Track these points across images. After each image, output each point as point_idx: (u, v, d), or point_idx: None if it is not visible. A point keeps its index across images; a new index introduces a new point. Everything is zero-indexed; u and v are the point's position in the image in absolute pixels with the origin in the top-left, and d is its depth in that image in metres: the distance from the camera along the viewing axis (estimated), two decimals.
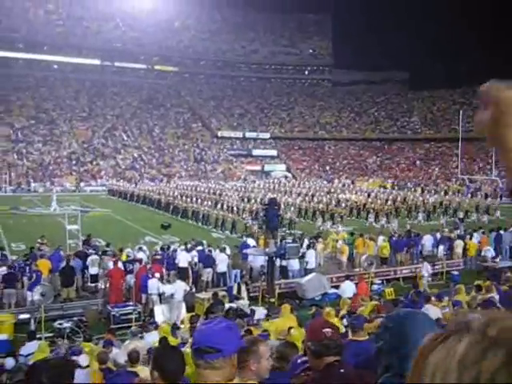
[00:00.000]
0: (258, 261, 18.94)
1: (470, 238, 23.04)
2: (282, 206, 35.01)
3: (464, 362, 0.68)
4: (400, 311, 2.07)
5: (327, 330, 3.26)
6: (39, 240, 21.04)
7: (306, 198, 38.10)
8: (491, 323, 0.72)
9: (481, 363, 0.67)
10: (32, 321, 14.47)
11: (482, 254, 22.73)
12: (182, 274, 17.89)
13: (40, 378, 2.81)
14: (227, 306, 14.65)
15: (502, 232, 24.34)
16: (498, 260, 22.34)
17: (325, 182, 58.95)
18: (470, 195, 45.96)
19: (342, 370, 3.18)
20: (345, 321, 10.59)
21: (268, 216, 16.63)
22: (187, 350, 7.94)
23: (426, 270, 19.12)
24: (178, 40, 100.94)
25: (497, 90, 1.04)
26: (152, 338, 10.33)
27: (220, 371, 2.28)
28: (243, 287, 17.35)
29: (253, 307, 15.68)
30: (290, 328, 8.80)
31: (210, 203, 35.37)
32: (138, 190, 47.17)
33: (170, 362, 3.45)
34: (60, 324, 14.11)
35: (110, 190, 53.18)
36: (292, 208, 34.66)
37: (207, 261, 18.71)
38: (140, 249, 20.07)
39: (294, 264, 19.36)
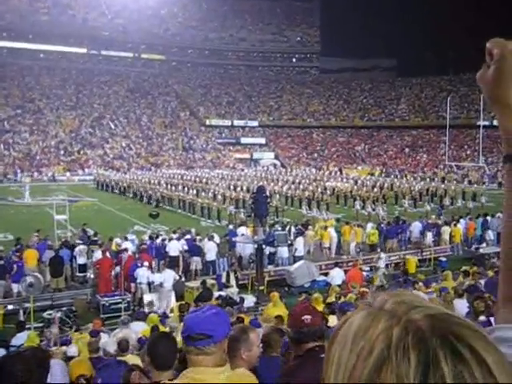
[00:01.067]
0: (246, 249, 19.01)
1: (456, 225, 23.22)
2: (268, 194, 35.14)
3: (356, 333, 0.70)
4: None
5: (306, 316, 3.30)
6: (36, 234, 20.86)
7: (292, 186, 38.15)
8: (390, 299, 0.73)
9: (368, 331, 0.69)
10: (21, 311, 14.46)
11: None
12: (172, 262, 17.94)
13: (13, 369, 2.67)
14: (216, 294, 14.74)
15: (488, 218, 24.55)
16: (484, 245, 22.58)
17: (313, 170, 59.05)
18: (455, 181, 46.19)
19: (322, 355, 3.21)
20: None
21: (256, 204, 16.65)
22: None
23: (382, 261, 18.71)
24: (165, 28, 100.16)
25: (502, 44, 1.07)
26: (140, 327, 10.36)
27: (211, 356, 2.34)
28: (232, 275, 17.42)
29: (242, 295, 15.76)
30: (276, 316, 8.87)
31: (195, 192, 35.37)
32: (124, 179, 46.98)
33: (163, 348, 3.51)
34: (49, 314, 14.11)
35: (96, 179, 52.96)
36: (278, 196, 34.72)
37: (195, 249, 18.75)
38: (126, 238, 20.04)
39: (283, 252, 19.46)
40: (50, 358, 3.56)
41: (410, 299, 0.73)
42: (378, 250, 20.83)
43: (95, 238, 20.26)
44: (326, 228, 21.69)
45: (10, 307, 14.80)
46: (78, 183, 53.35)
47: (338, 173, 55.13)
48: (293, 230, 21.56)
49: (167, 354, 3.51)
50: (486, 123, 62.77)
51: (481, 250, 21.32)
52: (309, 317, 3.31)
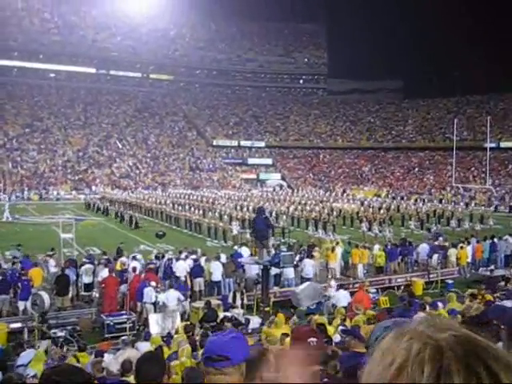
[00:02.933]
0: (252, 270, 18.91)
1: (462, 247, 23.07)
2: (274, 215, 35.07)
3: (384, 349, 0.80)
4: (395, 321, 2.09)
5: (312, 339, 3.26)
6: (49, 253, 20.81)
7: (299, 207, 38.12)
8: (423, 322, 0.81)
9: (392, 347, 0.79)
10: (25, 330, 14.40)
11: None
12: (179, 283, 17.84)
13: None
14: (222, 314, 14.66)
15: (496, 240, 24.39)
16: (492, 268, 22.40)
17: (320, 191, 58.95)
18: (463, 204, 45.98)
19: (325, 380, 3.18)
20: (340, 330, 10.60)
21: (256, 225, 16.54)
22: (176, 362, 7.93)
23: (333, 289, 17.62)
24: (174, 49, 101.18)
25: None
26: (145, 347, 10.30)
27: (229, 377, 2.44)
28: (238, 296, 17.32)
29: (247, 316, 15.66)
30: (283, 334, 8.78)
31: (201, 212, 35.40)
32: (130, 198, 47.12)
33: (150, 367, 3.57)
34: (54, 333, 14.05)
35: (102, 198, 53.16)
36: (284, 217, 34.68)
37: (197, 271, 18.65)
38: (134, 258, 20.00)
39: (289, 272, 19.34)
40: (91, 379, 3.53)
41: (441, 322, 0.80)
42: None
43: (104, 257, 20.22)
44: (333, 249, 21.57)
45: (13, 325, 14.71)
46: (83, 202, 53.43)
47: (345, 194, 55.00)
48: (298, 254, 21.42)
49: (153, 373, 3.58)
50: (493, 145, 62.84)
51: (489, 273, 21.13)
52: (314, 340, 3.27)
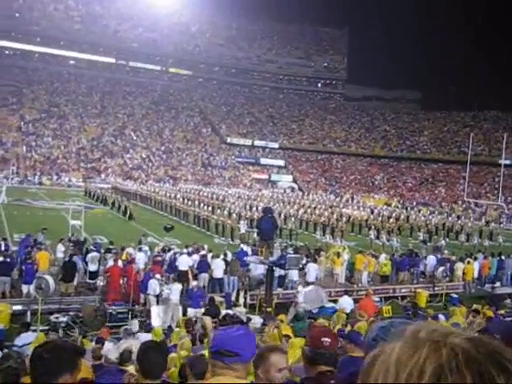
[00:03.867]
0: (257, 269, 18.91)
1: (469, 262, 22.94)
2: (283, 217, 35.03)
3: (400, 360, 0.77)
4: (391, 322, 2.09)
5: (326, 339, 3.28)
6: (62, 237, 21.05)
7: (308, 210, 38.07)
8: (422, 329, 0.81)
9: (413, 357, 0.76)
10: (28, 313, 14.50)
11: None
12: (180, 276, 17.90)
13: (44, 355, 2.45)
14: (224, 312, 14.67)
15: (503, 257, 24.26)
16: (497, 285, 22.27)
17: (331, 196, 58.78)
18: (473, 219, 45.70)
19: (332, 381, 3.18)
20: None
21: (261, 225, 16.49)
22: (174, 355, 7.94)
23: (301, 295, 17.18)
24: (194, 44, 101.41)
25: None
26: (146, 339, 10.32)
27: (235, 372, 2.44)
28: (241, 294, 17.33)
29: (249, 315, 15.66)
30: (285, 335, 8.78)
31: (210, 208, 35.45)
32: (141, 190, 47.29)
33: (152, 357, 3.56)
34: (56, 318, 14.14)
35: (113, 187, 53.35)
36: (293, 219, 34.65)
37: (203, 266, 18.68)
38: (140, 249, 20.08)
39: (293, 274, 19.32)
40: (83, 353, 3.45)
41: (441, 328, 0.80)
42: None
43: (111, 247, 20.32)
44: (338, 255, 21.52)
45: (16, 307, 14.81)
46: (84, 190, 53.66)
47: (354, 200, 54.81)
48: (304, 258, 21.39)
49: (156, 363, 3.59)
50: (508, 162, 62.36)
51: (495, 290, 21.00)
52: (328, 339, 3.29)
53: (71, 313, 14.96)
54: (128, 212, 36.07)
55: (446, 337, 0.77)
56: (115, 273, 16.62)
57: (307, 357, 3.31)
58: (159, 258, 18.77)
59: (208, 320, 12.21)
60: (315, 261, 20.91)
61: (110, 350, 7.72)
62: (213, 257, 19.52)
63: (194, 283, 16.97)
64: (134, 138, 75.85)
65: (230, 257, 19.72)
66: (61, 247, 19.50)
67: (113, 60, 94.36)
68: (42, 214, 33.36)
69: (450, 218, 42.87)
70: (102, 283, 17.79)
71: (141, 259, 18.63)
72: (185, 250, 20.03)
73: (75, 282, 17.18)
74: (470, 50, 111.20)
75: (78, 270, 17.53)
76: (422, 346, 0.77)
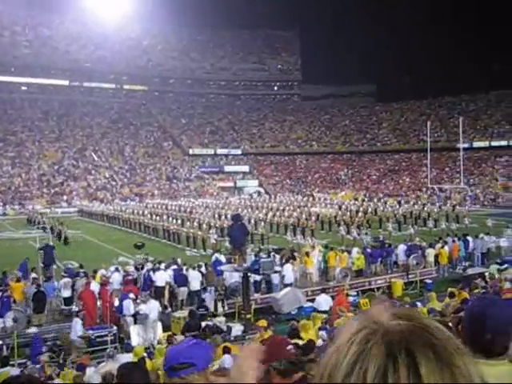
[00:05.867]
0: (232, 277, 18.90)
1: (442, 247, 23.36)
2: (253, 222, 35.10)
3: (343, 338, 0.81)
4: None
5: (290, 346, 3.23)
6: None
7: (277, 213, 38.24)
8: (387, 312, 0.82)
9: (349, 336, 0.80)
10: (4, 347, 14.20)
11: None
12: (157, 293, 17.78)
13: None
14: (203, 323, 14.63)
15: (469, 238, 24.82)
16: (466, 267, 22.73)
17: (297, 196, 59.03)
18: (438, 204, 46.53)
19: None
20: (323, 333, 10.68)
21: (232, 232, 16.52)
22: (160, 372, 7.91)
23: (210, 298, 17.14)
24: (147, 59, 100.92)
25: None
26: (127, 359, 10.24)
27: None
28: (219, 304, 17.30)
29: (229, 324, 15.65)
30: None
31: (179, 221, 35.30)
32: (107, 211, 46.83)
33: (131, 379, 3.47)
34: None
35: (80, 210, 52.64)
36: (263, 223, 34.74)
37: (181, 280, 18.60)
38: (117, 269, 19.85)
39: (274, 278, 19.37)
40: None
41: (400, 311, 0.82)
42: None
43: (81, 270, 20.05)
44: (307, 254, 21.65)
45: None
46: (60, 216, 52.84)
47: (322, 198, 55.22)
48: (277, 256, 21.48)
49: (135, 382, 3.47)
50: (466, 145, 63.72)
51: (467, 272, 21.40)
52: (292, 347, 3.25)
53: (49, 342, 14.71)
54: (63, 236, 34.36)
55: (378, 317, 0.80)
56: (88, 297, 16.36)
57: (281, 371, 3.12)
58: (130, 278, 18.58)
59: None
60: (288, 261, 21.01)
61: (92, 376, 7.65)
62: (187, 269, 19.46)
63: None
64: (96, 158, 75.00)
65: (204, 268, 19.66)
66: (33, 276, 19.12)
67: (66, 82, 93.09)
68: (8, 245, 32.69)
69: (416, 206, 43.56)
70: (76, 308, 17.53)
71: (115, 280, 18.42)
72: (161, 266, 19.89)
73: (45, 312, 16.82)
74: (420, 39, 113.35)
75: (49, 297, 17.21)
76: (362, 328, 0.79)
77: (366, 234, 29.88)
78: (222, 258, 21.02)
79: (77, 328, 14.62)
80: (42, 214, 46.73)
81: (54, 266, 22.57)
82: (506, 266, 19.78)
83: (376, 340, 0.76)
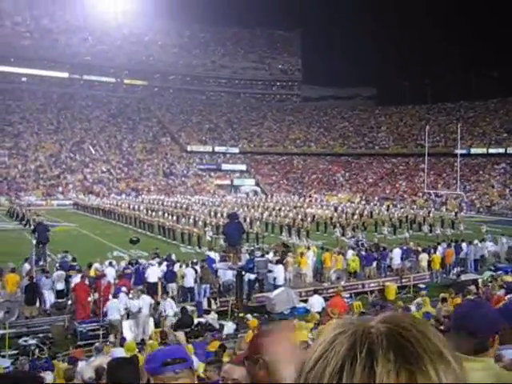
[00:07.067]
0: (226, 275, 18.92)
1: (435, 252, 23.41)
2: (248, 221, 35.10)
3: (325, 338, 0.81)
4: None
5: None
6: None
7: (273, 213, 38.25)
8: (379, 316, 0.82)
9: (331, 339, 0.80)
10: None
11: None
12: (150, 288, 17.75)
13: None
14: (196, 320, 14.63)
15: (463, 244, 24.87)
16: (459, 273, 22.78)
17: (294, 197, 59.10)
18: (434, 209, 46.57)
19: None
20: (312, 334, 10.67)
21: (228, 230, 16.53)
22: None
23: (169, 306, 16.34)
24: (148, 54, 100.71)
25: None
26: (118, 354, 10.22)
27: (188, 379, 2.40)
28: (213, 302, 17.30)
29: (222, 322, 15.65)
30: None
31: (175, 218, 35.25)
32: (103, 204, 46.74)
33: (121, 375, 3.42)
34: (25, 341, 13.86)
35: (75, 203, 52.48)
36: (258, 222, 34.75)
37: (169, 276, 18.60)
38: (111, 264, 19.81)
39: (270, 278, 19.37)
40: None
41: (393, 316, 0.81)
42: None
43: (74, 264, 20.02)
44: (302, 255, 21.65)
45: None
46: (56, 208, 52.78)
47: (319, 200, 55.26)
48: (271, 256, 21.49)
49: (126, 379, 3.43)
50: (464, 151, 63.90)
51: (460, 278, 21.44)
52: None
53: (40, 335, 14.69)
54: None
55: (366, 321, 0.80)
56: (82, 290, 16.34)
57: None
58: (128, 271, 18.58)
59: (182, 336, 12.18)
60: (282, 257, 21.05)
61: (84, 369, 7.63)
62: (181, 266, 19.45)
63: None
64: (93, 152, 74.82)
65: (198, 265, 19.64)
66: (27, 267, 19.02)
67: (66, 74, 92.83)
68: (3, 236, 32.59)
69: (412, 211, 43.62)
70: (70, 302, 17.50)
71: (109, 274, 18.39)
72: (153, 262, 19.86)
73: (37, 304, 16.75)
74: (422, 45, 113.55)
75: (42, 291, 17.15)
76: (346, 331, 0.79)
77: (353, 237, 30.01)
78: (214, 255, 21.02)
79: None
80: (21, 206, 46.09)
81: (48, 259, 22.50)
82: (499, 272, 19.83)
83: (342, 339, 0.76)
